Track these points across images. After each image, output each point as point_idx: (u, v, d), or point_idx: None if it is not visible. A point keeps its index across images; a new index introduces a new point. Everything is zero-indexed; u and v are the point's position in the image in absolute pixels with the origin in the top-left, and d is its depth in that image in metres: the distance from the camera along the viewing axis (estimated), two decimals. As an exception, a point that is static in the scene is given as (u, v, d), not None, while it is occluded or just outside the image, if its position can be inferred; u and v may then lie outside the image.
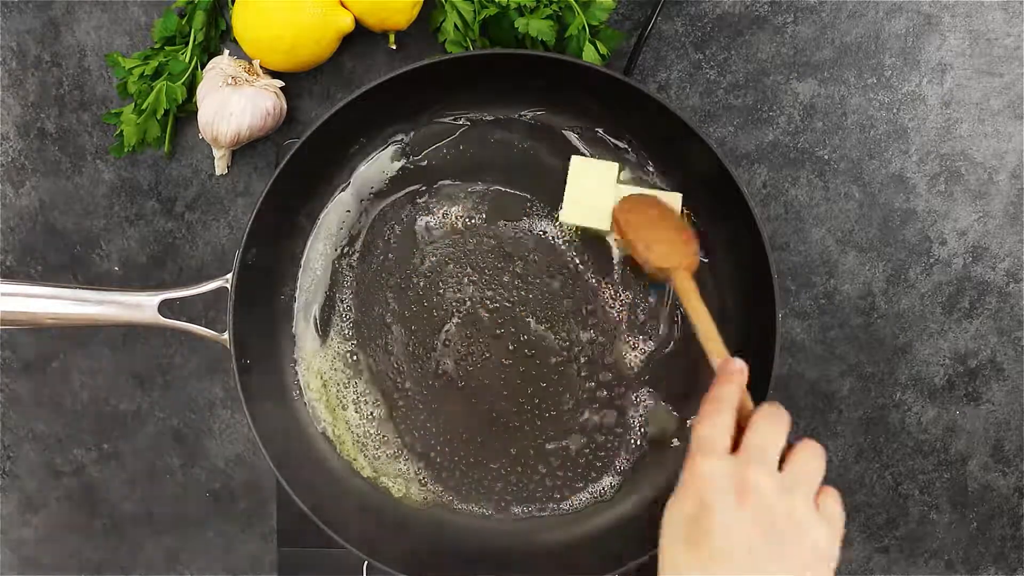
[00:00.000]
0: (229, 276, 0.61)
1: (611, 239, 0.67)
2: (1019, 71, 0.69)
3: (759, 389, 0.61)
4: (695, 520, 0.47)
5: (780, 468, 0.49)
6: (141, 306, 0.61)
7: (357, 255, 0.68)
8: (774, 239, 0.70)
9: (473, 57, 0.62)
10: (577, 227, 0.67)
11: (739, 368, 0.53)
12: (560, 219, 0.66)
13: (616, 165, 0.65)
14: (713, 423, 0.49)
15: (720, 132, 0.69)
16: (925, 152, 0.69)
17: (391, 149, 0.68)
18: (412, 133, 0.68)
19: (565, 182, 0.66)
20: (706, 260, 0.66)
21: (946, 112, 0.69)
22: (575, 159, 0.66)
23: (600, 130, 0.67)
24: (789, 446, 0.50)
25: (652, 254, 0.62)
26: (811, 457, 0.49)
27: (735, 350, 0.62)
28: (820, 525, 0.48)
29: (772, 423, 0.49)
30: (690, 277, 0.60)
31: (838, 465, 0.71)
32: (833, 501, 0.50)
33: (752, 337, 0.64)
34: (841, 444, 0.71)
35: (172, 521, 0.73)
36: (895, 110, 0.69)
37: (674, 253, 0.62)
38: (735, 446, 0.49)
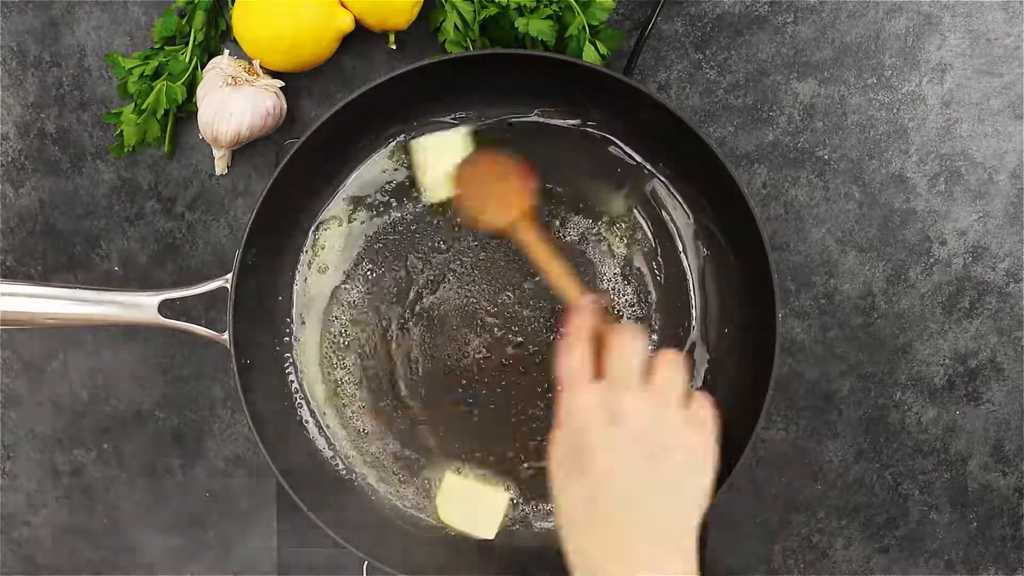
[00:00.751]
0: (229, 276, 0.61)
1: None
2: (1019, 71, 0.69)
3: (759, 389, 0.61)
4: (576, 450, 0.50)
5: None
6: (141, 306, 0.61)
7: (357, 255, 0.68)
8: (774, 239, 0.70)
9: (473, 57, 0.62)
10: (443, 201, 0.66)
11: (587, 301, 0.55)
12: (425, 201, 0.66)
13: (463, 133, 0.66)
14: (570, 356, 0.52)
15: (720, 132, 0.69)
16: (925, 152, 0.69)
17: (391, 148, 0.68)
18: (412, 132, 0.68)
19: (565, 181, 0.66)
20: (707, 254, 0.66)
21: (946, 112, 0.69)
22: (417, 142, 0.66)
23: (599, 130, 0.67)
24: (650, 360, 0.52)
25: (486, 215, 0.62)
26: (670, 368, 0.52)
27: (735, 349, 0.62)
28: (692, 431, 0.51)
29: (627, 342, 0.52)
30: (529, 227, 0.61)
31: (838, 465, 0.71)
32: (700, 405, 0.52)
33: (752, 337, 0.64)
34: (841, 444, 0.71)
35: (172, 521, 0.73)
36: (895, 110, 0.69)
37: (507, 207, 0.62)
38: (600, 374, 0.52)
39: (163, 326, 0.61)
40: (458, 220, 0.67)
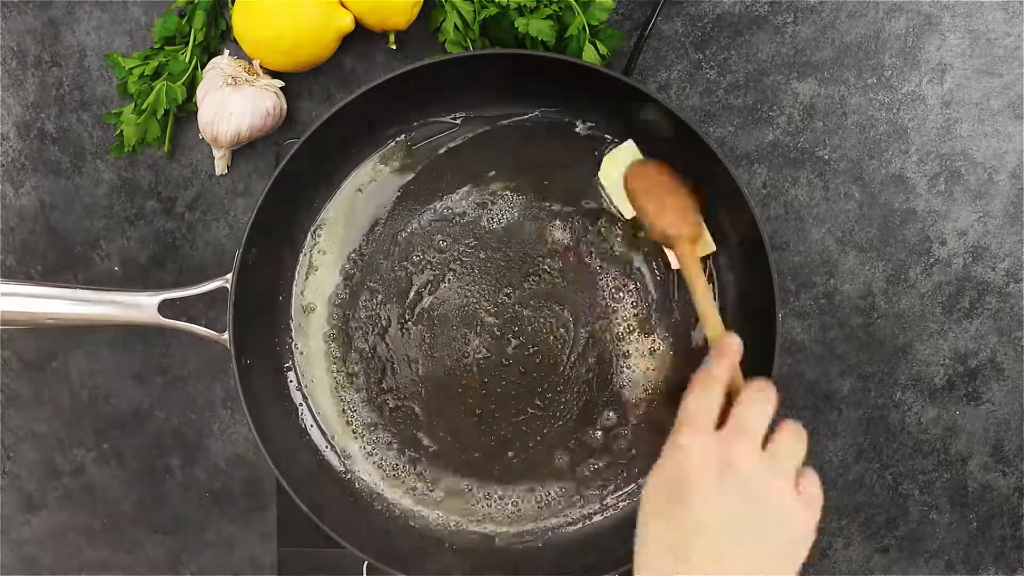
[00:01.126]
0: (229, 276, 0.61)
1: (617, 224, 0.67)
2: (1019, 71, 0.69)
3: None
4: (676, 493, 0.47)
5: (763, 448, 0.49)
6: (141, 306, 0.61)
7: (357, 255, 0.68)
8: (774, 239, 0.70)
9: (473, 57, 0.62)
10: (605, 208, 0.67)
11: (735, 344, 0.53)
12: (600, 177, 0.66)
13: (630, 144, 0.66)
14: (702, 398, 0.49)
15: (720, 132, 0.69)
16: (925, 152, 0.69)
17: (391, 148, 0.68)
18: (412, 132, 0.68)
19: (565, 180, 0.66)
20: (708, 254, 0.66)
21: (946, 112, 0.69)
22: (612, 156, 0.66)
23: (600, 130, 0.67)
24: (772, 428, 0.50)
25: (662, 220, 0.62)
26: (794, 439, 0.49)
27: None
28: (800, 508, 0.48)
29: (760, 402, 0.49)
30: (694, 249, 0.61)
31: (838, 465, 0.71)
32: (813, 484, 0.49)
33: (752, 337, 0.64)
34: (841, 444, 0.71)
35: (172, 521, 0.73)
36: (895, 110, 0.69)
37: (682, 222, 0.62)
38: (721, 423, 0.49)
39: (163, 326, 0.61)
40: (640, 230, 0.66)
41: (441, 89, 0.65)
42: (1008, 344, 0.71)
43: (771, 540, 0.46)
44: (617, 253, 0.67)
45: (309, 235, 0.68)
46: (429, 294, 0.68)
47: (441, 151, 0.68)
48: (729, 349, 0.53)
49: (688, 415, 0.49)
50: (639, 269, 0.67)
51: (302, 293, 0.68)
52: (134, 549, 0.74)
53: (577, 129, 0.67)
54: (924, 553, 0.72)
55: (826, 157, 0.69)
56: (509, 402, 0.67)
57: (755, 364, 0.62)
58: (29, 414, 0.73)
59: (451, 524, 0.68)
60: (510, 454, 0.68)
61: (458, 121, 0.67)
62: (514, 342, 0.67)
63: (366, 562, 0.68)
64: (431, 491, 0.68)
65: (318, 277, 0.68)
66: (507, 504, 0.67)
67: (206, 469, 0.73)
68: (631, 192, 0.64)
